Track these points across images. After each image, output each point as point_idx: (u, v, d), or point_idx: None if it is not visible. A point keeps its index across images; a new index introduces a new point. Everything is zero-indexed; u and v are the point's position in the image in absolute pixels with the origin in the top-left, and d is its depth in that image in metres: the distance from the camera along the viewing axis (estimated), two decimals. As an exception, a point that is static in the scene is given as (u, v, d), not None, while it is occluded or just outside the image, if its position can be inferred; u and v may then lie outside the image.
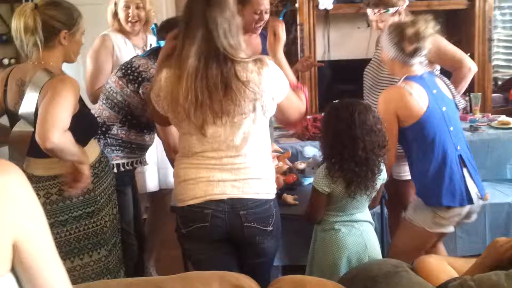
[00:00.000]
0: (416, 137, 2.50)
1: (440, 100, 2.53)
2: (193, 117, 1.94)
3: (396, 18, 2.99)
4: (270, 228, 2.06)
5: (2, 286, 0.94)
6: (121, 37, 3.22)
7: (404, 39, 2.48)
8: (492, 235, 3.44)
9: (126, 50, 3.16)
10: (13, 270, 0.97)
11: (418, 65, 2.55)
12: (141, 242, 2.82)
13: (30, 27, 2.21)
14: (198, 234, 2.04)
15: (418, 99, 2.47)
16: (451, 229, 2.58)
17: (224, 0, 1.98)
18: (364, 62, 3.30)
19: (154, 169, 3.12)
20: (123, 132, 2.59)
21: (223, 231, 2.04)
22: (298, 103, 2.16)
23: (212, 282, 1.60)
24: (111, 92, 2.58)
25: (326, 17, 4.46)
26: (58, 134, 2.02)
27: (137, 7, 3.17)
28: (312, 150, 3.04)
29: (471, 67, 3.01)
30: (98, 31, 3.26)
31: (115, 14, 3.22)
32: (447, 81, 2.70)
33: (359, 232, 2.34)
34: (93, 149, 2.35)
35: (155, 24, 2.92)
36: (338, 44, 4.62)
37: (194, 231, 2.04)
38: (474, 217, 2.65)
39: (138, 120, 2.58)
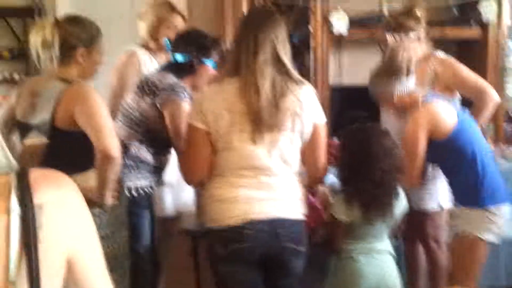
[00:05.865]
0: (453, 149, 2.48)
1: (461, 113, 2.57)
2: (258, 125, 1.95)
3: (416, 45, 2.86)
4: (302, 249, 2.08)
5: None
6: (147, 54, 3.11)
7: (394, 68, 2.52)
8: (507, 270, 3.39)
9: (152, 68, 3.03)
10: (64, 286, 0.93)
11: (416, 85, 2.54)
12: (157, 267, 2.74)
13: (47, 41, 2.19)
14: (236, 255, 2.02)
15: (447, 112, 2.48)
16: (497, 238, 2.52)
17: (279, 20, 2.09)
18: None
19: (171, 192, 3.02)
20: (142, 152, 2.53)
21: (261, 252, 2.02)
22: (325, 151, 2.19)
23: None
24: (128, 109, 2.54)
25: (339, 41, 4.45)
26: (118, 145, 2.09)
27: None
28: (330, 177, 2.99)
29: (494, 97, 2.89)
30: (121, 47, 3.15)
31: (156, 30, 3.09)
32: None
33: (378, 263, 2.31)
34: None
35: (169, 39, 2.80)
36: (351, 69, 4.60)
37: (233, 252, 2.01)
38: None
39: (156, 137, 2.51)
